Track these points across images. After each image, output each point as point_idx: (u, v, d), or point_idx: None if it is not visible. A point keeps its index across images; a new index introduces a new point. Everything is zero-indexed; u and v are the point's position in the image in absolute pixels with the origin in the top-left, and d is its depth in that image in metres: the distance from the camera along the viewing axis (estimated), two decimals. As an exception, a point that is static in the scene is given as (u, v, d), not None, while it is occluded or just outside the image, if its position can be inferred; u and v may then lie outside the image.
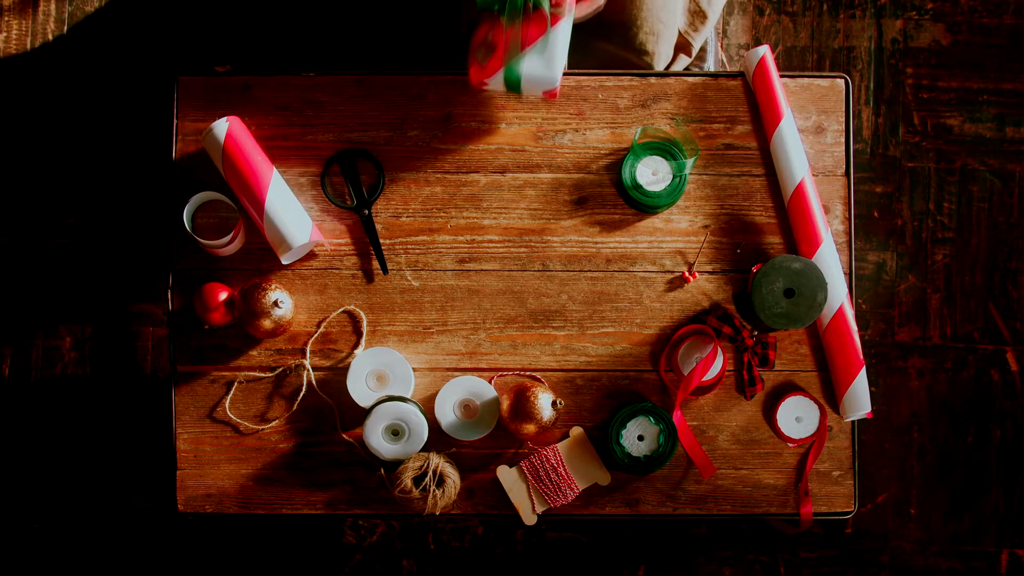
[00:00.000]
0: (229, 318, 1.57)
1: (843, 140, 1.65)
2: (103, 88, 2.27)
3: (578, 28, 1.65)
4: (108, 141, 2.26)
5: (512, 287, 1.61)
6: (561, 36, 1.47)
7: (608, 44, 1.68)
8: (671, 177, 1.61)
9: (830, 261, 1.58)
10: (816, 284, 1.51)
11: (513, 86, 1.50)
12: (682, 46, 1.77)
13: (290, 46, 2.29)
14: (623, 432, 1.58)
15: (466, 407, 1.58)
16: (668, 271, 1.62)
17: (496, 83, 1.50)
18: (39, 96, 2.27)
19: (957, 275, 2.26)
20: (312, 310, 1.61)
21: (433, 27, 1.55)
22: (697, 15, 1.76)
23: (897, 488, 2.23)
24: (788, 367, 1.62)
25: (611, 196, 1.63)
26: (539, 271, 1.61)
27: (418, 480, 1.51)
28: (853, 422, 1.62)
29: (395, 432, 1.54)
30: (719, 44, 2.29)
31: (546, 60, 1.47)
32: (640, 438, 1.58)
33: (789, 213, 1.62)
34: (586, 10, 1.52)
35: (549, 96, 1.54)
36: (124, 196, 2.24)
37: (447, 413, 1.57)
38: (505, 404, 1.54)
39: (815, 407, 1.60)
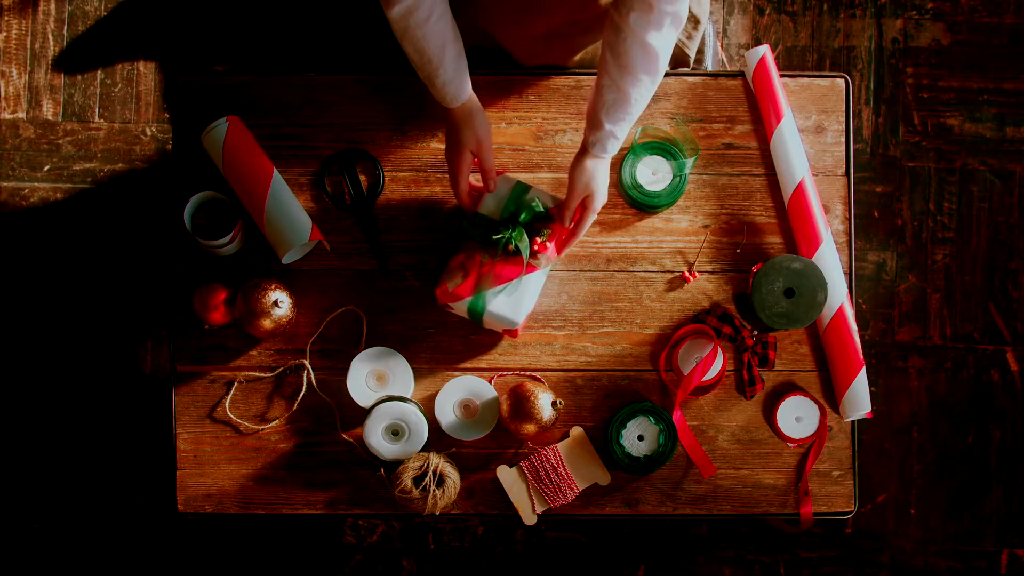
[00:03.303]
0: (229, 318, 1.56)
1: (843, 140, 1.65)
2: (102, 88, 2.27)
3: (581, 32, 1.65)
4: (106, 142, 2.26)
5: (512, 287, 1.61)
6: (533, 284, 1.52)
7: None
8: (671, 177, 1.61)
9: (830, 261, 1.58)
10: (816, 284, 1.51)
11: (475, 317, 1.54)
12: (679, 57, 1.77)
13: (290, 46, 2.29)
14: (623, 432, 1.58)
15: (466, 407, 1.58)
16: (668, 271, 1.62)
17: (459, 309, 1.54)
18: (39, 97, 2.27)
19: (957, 275, 2.26)
20: (312, 310, 1.61)
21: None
22: (689, 20, 1.75)
23: (897, 488, 2.23)
24: (788, 367, 1.62)
25: (611, 196, 1.63)
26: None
27: (418, 480, 1.51)
28: (853, 422, 1.62)
29: (395, 432, 1.54)
30: (719, 44, 2.29)
31: (513, 302, 1.51)
32: (640, 438, 1.58)
33: (789, 213, 1.62)
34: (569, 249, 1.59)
35: (508, 335, 1.57)
36: (124, 196, 2.24)
37: (447, 413, 1.57)
38: (505, 404, 1.54)
39: (815, 407, 1.60)
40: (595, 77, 1.46)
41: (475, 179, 1.58)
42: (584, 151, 1.49)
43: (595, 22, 1.58)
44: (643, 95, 1.44)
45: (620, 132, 1.47)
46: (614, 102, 1.43)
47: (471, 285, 1.51)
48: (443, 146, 1.62)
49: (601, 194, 1.51)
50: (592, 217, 1.53)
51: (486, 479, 1.60)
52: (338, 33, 2.28)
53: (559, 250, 1.55)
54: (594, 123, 1.46)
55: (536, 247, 1.51)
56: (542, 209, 1.52)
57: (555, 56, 1.65)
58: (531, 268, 1.52)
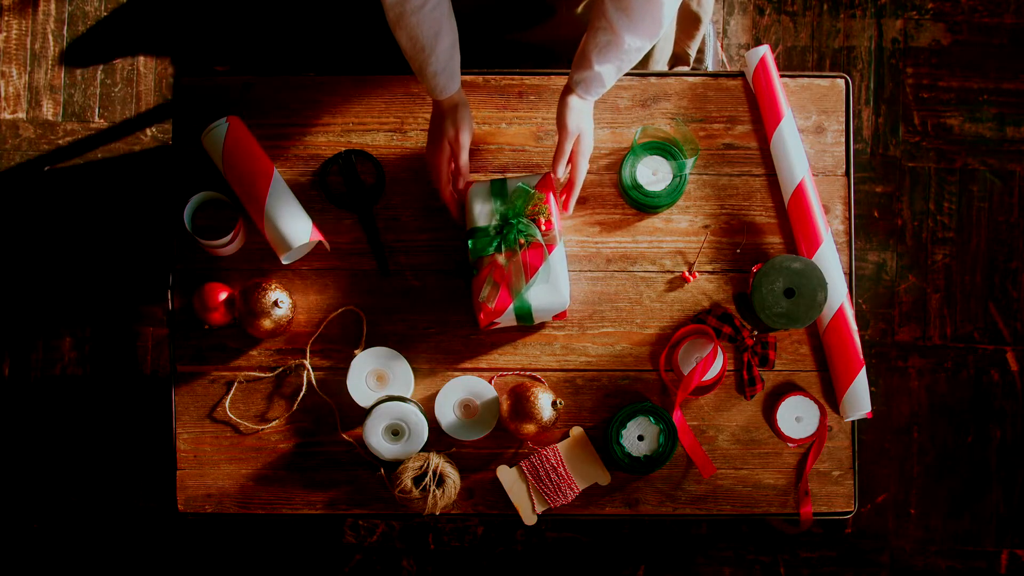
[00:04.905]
0: (229, 318, 1.56)
1: (843, 140, 1.65)
2: (102, 88, 2.27)
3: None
4: (106, 142, 2.26)
5: (512, 287, 1.61)
6: (559, 260, 1.52)
7: None
8: (671, 177, 1.61)
9: (830, 261, 1.58)
10: (816, 284, 1.51)
11: (525, 319, 1.54)
12: (679, 56, 1.77)
13: (290, 46, 2.29)
14: (623, 432, 1.58)
15: (466, 407, 1.58)
16: (668, 271, 1.62)
17: (507, 319, 1.53)
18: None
19: (957, 275, 2.26)
20: (312, 310, 1.61)
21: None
22: (689, 20, 1.76)
23: (897, 488, 2.23)
24: (788, 367, 1.62)
25: (611, 196, 1.63)
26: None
27: (418, 480, 1.51)
28: (853, 422, 1.62)
29: (395, 432, 1.54)
30: (719, 44, 2.29)
31: (552, 286, 1.51)
32: (640, 438, 1.58)
33: (789, 213, 1.61)
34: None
35: (559, 317, 1.57)
36: (124, 196, 2.24)
37: (447, 413, 1.57)
38: (505, 404, 1.54)
39: (815, 407, 1.60)
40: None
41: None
42: (568, 90, 1.48)
43: None
44: (637, 45, 1.42)
45: (607, 76, 1.45)
46: (607, 44, 1.41)
47: (507, 292, 1.50)
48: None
49: (588, 136, 1.50)
50: (584, 163, 1.51)
51: (486, 479, 1.60)
52: (338, 33, 2.28)
53: (566, 207, 1.55)
54: (582, 62, 1.44)
55: (544, 227, 1.51)
56: (532, 189, 1.51)
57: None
58: (550, 247, 1.51)
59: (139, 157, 2.26)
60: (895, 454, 2.23)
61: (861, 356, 1.58)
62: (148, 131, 2.27)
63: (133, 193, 2.24)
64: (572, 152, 1.50)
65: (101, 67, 2.28)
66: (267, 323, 1.52)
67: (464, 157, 1.51)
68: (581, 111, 1.48)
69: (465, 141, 1.50)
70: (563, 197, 1.55)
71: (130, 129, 2.27)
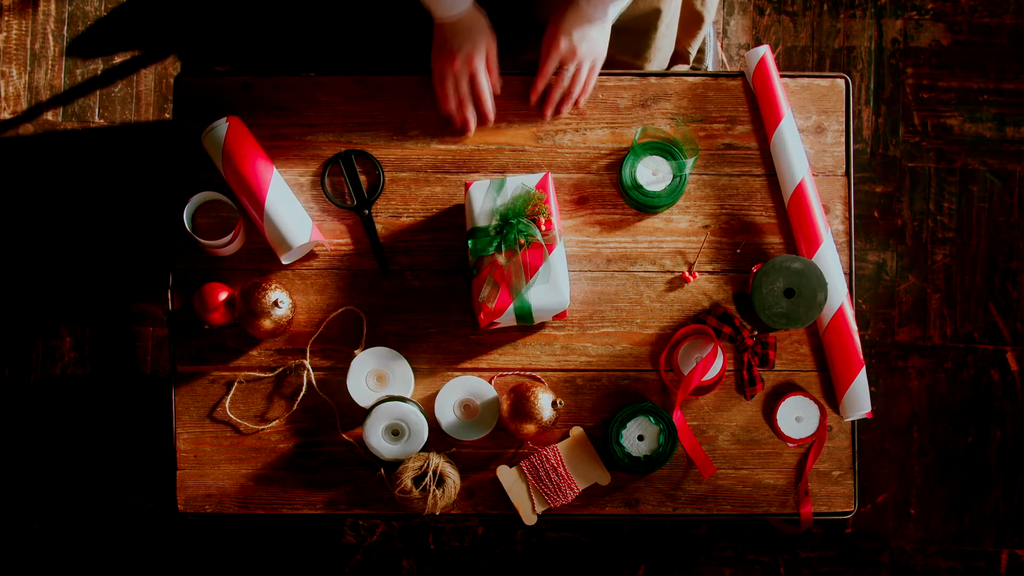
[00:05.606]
0: (229, 318, 1.56)
1: (843, 140, 1.65)
2: (102, 87, 2.27)
3: None
4: (107, 141, 2.26)
5: (512, 287, 1.61)
6: (559, 260, 1.51)
7: (614, 53, 1.66)
8: (671, 177, 1.61)
9: (830, 261, 1.58)
10: (816, 284, 1.51)
11: (525, 319, 1.53)
12: (680, 54, 1.77)
13: (290, 46, 2.29)
14: (623, 432, 1.58)
15: (466, 407, 1.58)
16: (668, 271, 1.62)
17: (507, 319, 1.53)
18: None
19: (957, 275, 2.26)
20: (312, 310, 1.61)
21: (432, 27, 1.57)
22: (691, 18, 1.76)
23: (897, 488, 2.23)
24: (788, 367, 1.62)
25: (611, 196, 1.63)
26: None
27: (418, 480, 1.51)
28: (853, 422, 1.62)
29: (395, 432, 1.54)
30: (719, 44, 2.29)
31: (552, 286, 1.51)
32: (640, 438, 1.58)
33: (789, 213, 1.62)
34: None
35: (559, 317, 1.57)
36: (124, 196, 2.24)
37: (447, 413, 1.57)
38: (505, 404, 1.54)
39: (815, 407, 1.60)
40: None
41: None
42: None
43: None
44: None
45: None
46: None
47: (507, 292, 1.50)
48: (444, 145, 1.62)
49: (565, 40, 1.53)
50: (552, 63, 1.55)
51: (486, 479, 1.60)
52: (338, 33, 2.28)
53: (531, 101, 1.59)
54: None
55: (544, 227, 1.51)
56: (533, 189, 1.51)
57: None
58: (550, 248, 1.51)
59: (139, 157, 2.26)
60: (895, 454, 2.23)
61: (861, 356, 1.58)
62: (147, 131, 2.27)
63: (133, 193, 2.24)
64: (554, 56, 1.55)
65: (101, 67, 2.28)
66: (267, 323, 1.52)
67: (497, 68, 1.57)
68: (564, 12, 1.52)
69: (495, 50, 1.56)
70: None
71: (130, 128, 2.27)
